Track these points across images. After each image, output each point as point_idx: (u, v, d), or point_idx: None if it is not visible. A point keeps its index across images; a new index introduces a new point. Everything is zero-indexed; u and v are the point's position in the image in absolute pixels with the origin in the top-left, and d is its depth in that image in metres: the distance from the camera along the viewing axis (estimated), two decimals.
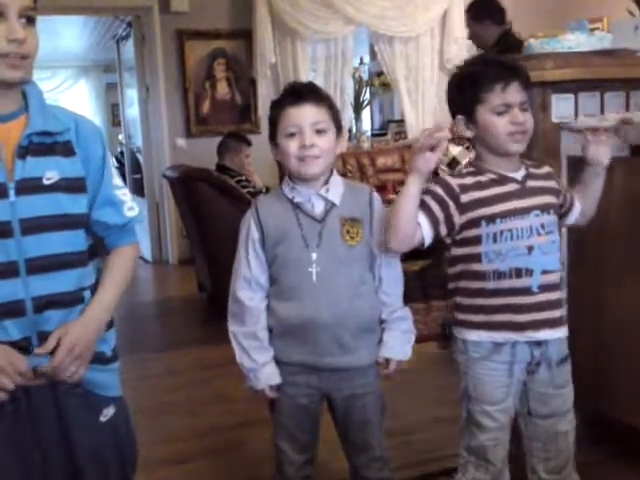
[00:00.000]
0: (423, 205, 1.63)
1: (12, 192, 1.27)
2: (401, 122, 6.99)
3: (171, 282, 6.05)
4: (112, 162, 1.48)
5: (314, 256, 1.64)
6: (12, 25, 1.23)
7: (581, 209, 1.79)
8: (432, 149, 1.53)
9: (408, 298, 1.81)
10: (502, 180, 1.66)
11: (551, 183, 1.73)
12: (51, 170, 1.32)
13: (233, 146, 4.60)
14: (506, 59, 1.71)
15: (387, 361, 1.73)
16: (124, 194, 1.47)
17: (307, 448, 1.75)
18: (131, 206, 1.48)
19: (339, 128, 1.68)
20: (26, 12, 1.26)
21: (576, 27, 2.50)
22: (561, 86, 2.11)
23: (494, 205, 1.63)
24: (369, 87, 7.39)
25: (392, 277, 1.75)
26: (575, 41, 2.23)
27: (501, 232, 1.62)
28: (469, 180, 1.66)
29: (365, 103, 7.45)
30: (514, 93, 1.61)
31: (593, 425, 2.37)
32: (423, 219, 1.62)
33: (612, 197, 1.95)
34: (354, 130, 7.18)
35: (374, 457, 1.75)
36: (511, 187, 1.66)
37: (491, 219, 1.63)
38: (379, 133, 7.83)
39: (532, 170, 1.70)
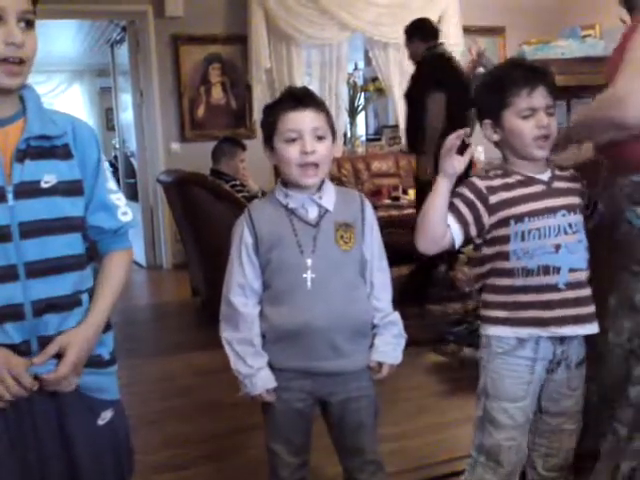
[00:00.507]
0: (452, 207, 1.67)
1: (10, 196, 1.27)
2: (395, 127, 7.02)
3: (165, 287, 6.04)
4: (107, 166, 1.49)
5: (309, 262, 1.64)
6: (10, 29, 1.24)
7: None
8: (460, 152, 1.60)
9: (403, 302, 1.82)
10: (529, 181, 1.70)
11: (576, 185, 1.76)
12: (49, 173, 1.32)
13: (228, 151, 4.60)
14: (533, 64, 1.74)
15: (379, 365, 1.73)
16: (118, 198, 1.47)
17: (302, 451, 1.76)
18: (125, 211, 1.47)
19: (334, 135, 1.70)
20: (25, 16, 1.26)
21: (569, 34, 2.53)
22: None
23: (522, 205, 1.67)
24: (364, 92, 7.42)
25: (384, 281, 1.76)
26: (567, 48, 2.25)
27: (529, 231, 1.66)
28: (497, 182, 1.70)
29: (360, 108, 7.48)
30: (540, 97, 1.64)
31: None
32: (452, 221, 1.67)
33: None
34: (349, 135, 7.21)
35: (367, 460, 1.76)
36: (538, 188, 1.69)
37: (519, 218, 1.66)
38: (374, 138, 7.85)
39: (557, 172, 1.74)
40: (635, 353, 1.75)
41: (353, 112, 7.26)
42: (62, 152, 1.35)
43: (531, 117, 1.64)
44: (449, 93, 4.16)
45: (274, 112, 1.66)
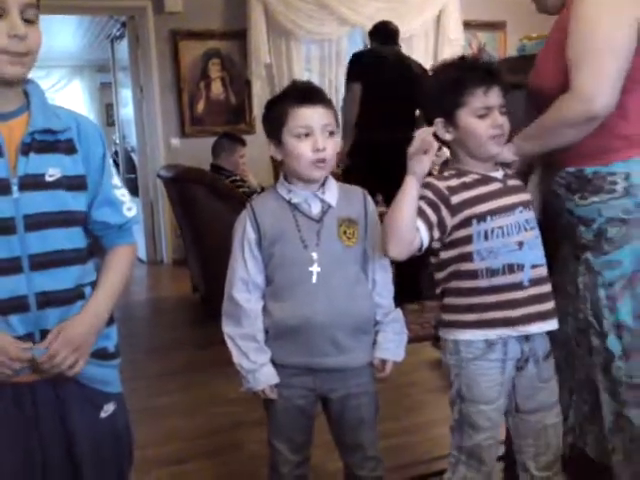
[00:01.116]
0: (418, 210, 1.62)
1: (15, 188, 1.28)
2: None
3: (165, 282, 6.04)
4: (111, 162, 1.49)
5: (315, 256, 1.64)
6: (13, 21, 1.25)
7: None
8: (425, 152, 1.56)
9: (401, 299, 1.82)
10: (486, 180, 1.68)
11: (521, 182, 1.77)
12: (53, 167, 1.33)
13: (227, 146, 4.60)
14: (486, 64, 1.74)
15: (382, 362, 1.73)
16: (123, 194, 1.49)
17: (302, 448, 1.76)
18: (130, 206, 1.49)
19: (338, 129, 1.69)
20: (28, 9, 1.28)
21: None
22: None
23: (483, 203, 1.65)
24: None
25: (385, 279, 1.76)
26: None
27: (492, 230, 1.64)
28: (454, 182, 1.67)
29: None
30: (495, 96, 1.64)
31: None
32: (420, 223, 1.62)
33: None
34: None
35: (367, 456, 1.76)
36: (495, 186, 1.68)
37: (482, 217, 1.64)
38: None
39: (507, 171, 1.75)
40: (595, 328, 1.80)
41: None
42: (66, 147, 1.36)
43: (486, 116, 1.64)
44: (366, 84, 4.35)
45: (281, 106, 1.64)
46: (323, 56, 6.42)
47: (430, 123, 1.69)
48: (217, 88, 6.22)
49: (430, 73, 1.78)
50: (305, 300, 1.64)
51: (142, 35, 6.05)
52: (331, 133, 1.64)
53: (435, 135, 1.66)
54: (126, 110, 6.84)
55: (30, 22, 1.28)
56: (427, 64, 6.45)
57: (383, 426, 1.82)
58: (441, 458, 2.35)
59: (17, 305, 1.29)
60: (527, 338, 1.69)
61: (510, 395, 1.74)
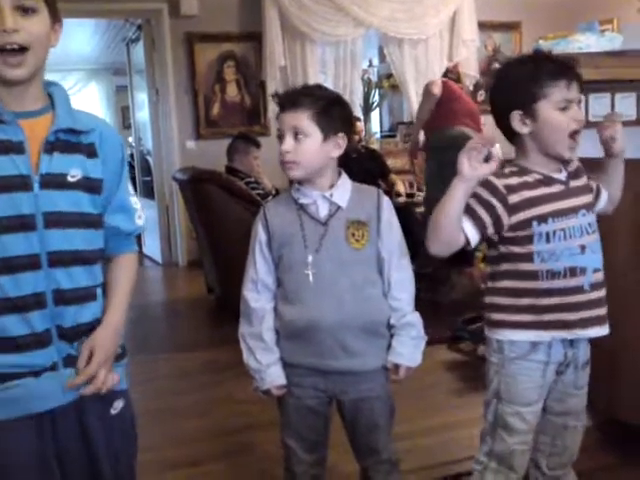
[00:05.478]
0: (468, 209, 1.60)
1: (36, 185, 1.29)
2: (410, 124, 6.97)
3: (180, 284, 6.06)
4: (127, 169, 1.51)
5: (310, 258, 1.63)
6: (2, 14, 1.21)
7: (607, 196, 1.78)
8: (486, 159, 1.53)
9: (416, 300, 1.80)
10: (548, 181, 1.64)
11: (585, 180, 1.71)
12: (76, 168, 1.34)
13: (242, 148, 4.61)
14: (565, 58, 1.68)
15: (396, 367, 1.71)
16: (136, 202, 1.51)
17: (316, 447, 1.75)
18: (140, 214, 1.51)
19: (334, 130, 1.64)
20: (21, 2, 1.24)
21: (586, 28, 2.49)
22: None
23: (544, 205, 1.62)
24: (378, 89, 7.40)
25: (402, 281, 1.72)
26: (585, 42, 2.23)
27: (554, 232, 1.61)
28: (514, 180, 1.63)
29: (374, 105, 7.45)
30: (575, 90, 1.60)
31: (606, 428, 2.35)
32: (468, 223, 1.60)
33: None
34: (363, 132, 7.18)
35: (381, 460, 1.75)
36: (558, 188, 1.64)
37: (543, 219, 1.61)
38: (388, 135, 7.81)
39: (569, 169, 1.69)
40: None
41: (367, 109, 7.24)
42: (87, 150, 1.37)
43: (567, 109, 1.59)
44: None
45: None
46: (338, 58, 6.42)
47: (504, 116, 1.64)
48: (232, 90, 6.24)
49: (500, 67, 1.75)
50: (309, 303, 1.64)
51: (158, 38, 6.09)
52: (298, 135, 1.60)
53: (504, 129, 1.65)
54: (142, 113, 6.89)
55: (28, 13, 1.25)
56: (442, 65, 6.50)
57: (396, 428, 1.81)
58: (458, 461, 2.35)
59: (36, 301, 1.30)
60: (572, 343, 1.67)
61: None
